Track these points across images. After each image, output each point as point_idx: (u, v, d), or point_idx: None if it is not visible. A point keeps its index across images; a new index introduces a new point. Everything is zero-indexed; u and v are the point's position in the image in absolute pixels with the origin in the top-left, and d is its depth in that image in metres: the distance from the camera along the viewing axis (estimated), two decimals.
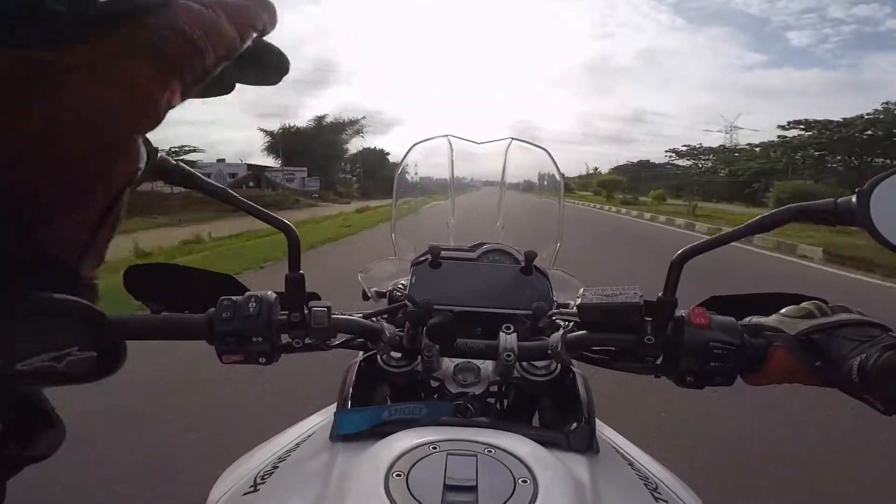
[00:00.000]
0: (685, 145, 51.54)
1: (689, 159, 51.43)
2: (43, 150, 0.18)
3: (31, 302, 0.20)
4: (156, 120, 0.20)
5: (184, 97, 0.21)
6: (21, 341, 0.20)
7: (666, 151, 56.11)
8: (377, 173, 43.19)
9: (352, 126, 39.99)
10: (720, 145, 48.03)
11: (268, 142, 37.71)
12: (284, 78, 0.24)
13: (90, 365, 0.21)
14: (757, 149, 40.59)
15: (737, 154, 43.51)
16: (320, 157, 35.71)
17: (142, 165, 0.21)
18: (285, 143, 36.20)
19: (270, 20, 0.22)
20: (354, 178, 45.93)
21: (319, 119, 38.75)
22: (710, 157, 48.48)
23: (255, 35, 0.21)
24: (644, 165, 60.59)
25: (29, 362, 0.20)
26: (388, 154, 49.46)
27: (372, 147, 49.29)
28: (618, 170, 61.16)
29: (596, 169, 66.96)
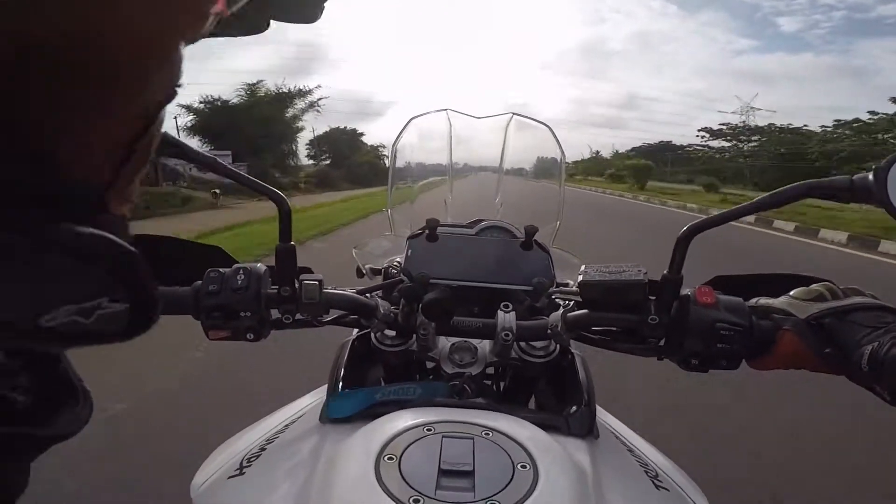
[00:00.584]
0: (724, 124, 42.58)
1: (728, 140, 42.47)
2: (78, 39, 0.15)
3: (51, 237, 0.16)
4: (200, 29, 0.18)
5: (229, 7, 0.19)
6: (42, 290, 0.16)
7: (699, 131, 47.06)
8: (348, 158, 35.04)
9: (301, 98, 28.65)
10: (742, 124, 41.55)
11: (192, 120, 26.19)
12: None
13: (121, 320, 0.17)
14: (833, 129, 33.20)
15: (790, 135, 37.25)
16: (257, 136, 25.49)
17: (179, 84, 0.19)
18: (211, 120, 25.78)
19: None
20: (313, 164, 36.01)
21: (252, 88, 27.14)
22: (758, 137, 39.43)
23: None
24: (666, 147, 52.65)
25: (52, 316, 0.16)
26: (362, 135, 40.25)
27: (342, 127, 39.80)
28: (637, 153, 51.90)
29: (598, 153, 62.77)
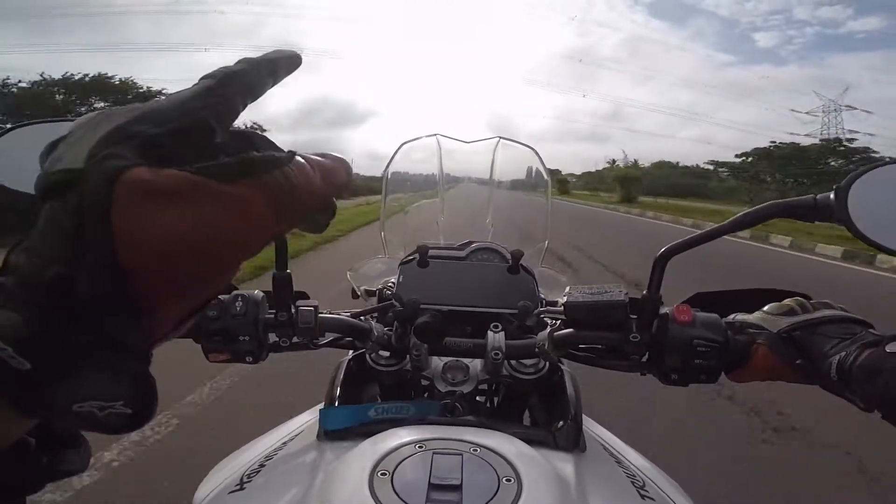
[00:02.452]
0: (773, 142, 34.80)
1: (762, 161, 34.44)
2: (171, 257, 0.21)
3: (111, 356, 0.21)
4: (257, 251, 0.24)
5: (280, 235, 0.24)
6: (86, 386, 0.21)
7: (737, 156, 37.48)
8: None
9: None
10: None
11: None
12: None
13: (123, 419, 0.22)
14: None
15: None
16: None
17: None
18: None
19: (348, 177, 0.26)
20: None
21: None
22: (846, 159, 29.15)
23: (337, 189, 0.25)
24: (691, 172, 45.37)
25: (81, 406, 0.21)
26: None
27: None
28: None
29: (614, 162, 56.22)
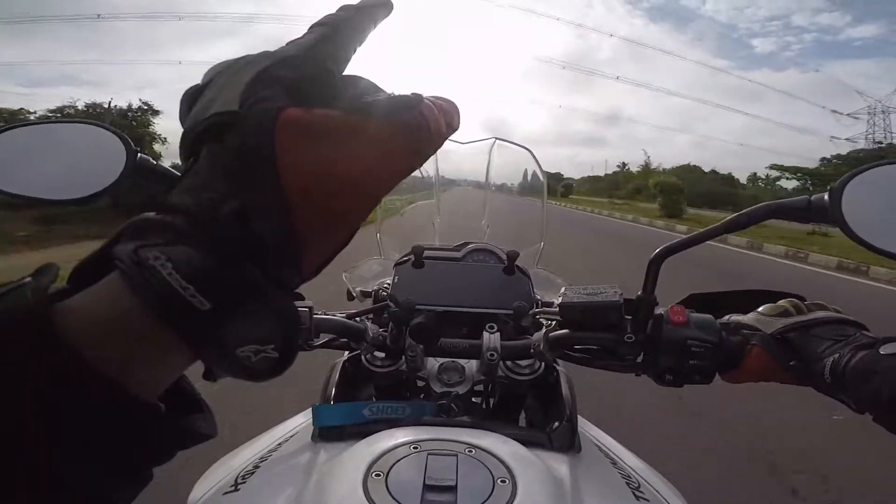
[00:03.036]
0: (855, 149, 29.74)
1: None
2: (326, 189, 0.23)
3: (273, 295, 0.22)
4: (393, 186, 0.25)
5: (409, 173, 0.26)
6: (251, 328, 0.21)
7: (823, 160, 32.55)
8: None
9: None
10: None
11: None
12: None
13: (270, 364, 0.22)
14: None
15: None
16: None
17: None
18: None
19: (458, 119, 0.28)
20: None
21: None
22: None
23: (453, 130, 0.27)
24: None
25: (243, 350, 0.21)
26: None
27: None
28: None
29: (625, 165, 53.53)
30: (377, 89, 0.25)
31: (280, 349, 0.22)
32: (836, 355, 0.49)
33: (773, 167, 36.75)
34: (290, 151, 0.22)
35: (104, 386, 0.20)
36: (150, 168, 0.55)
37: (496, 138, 0.98)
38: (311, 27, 0.26)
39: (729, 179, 43.12)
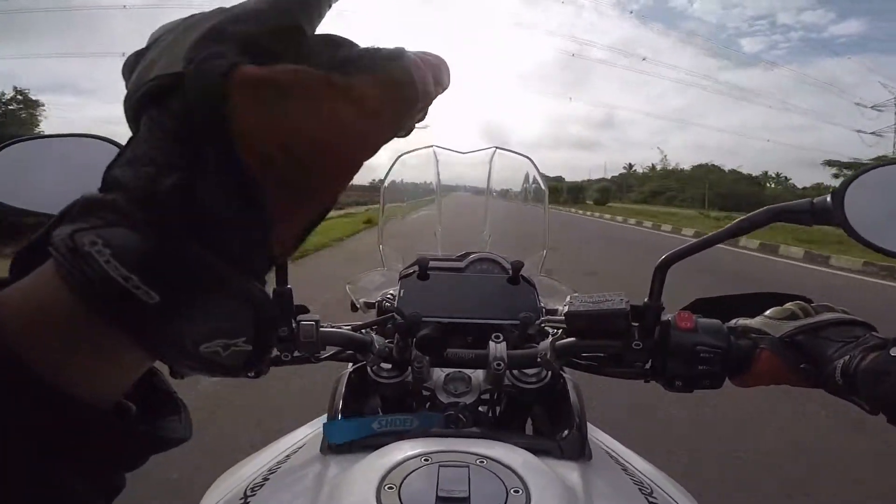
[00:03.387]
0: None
1: None
2: (293, 154, 0.20)
3: (236, 280, 0.19)
4: (375, 150, 0.23)
5: (393, 135, 0.23)
6: (214, 323, 0.19)
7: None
8: None
9: None
10: None
11: None
12: None
13: (243, 358, 0.20)
14: None
15: None
16: None
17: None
18: None
19: (448, 77, 0.25)
20: None
21: None
22: None
23: (442, 88, 0.25)
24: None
25: (208, 346, 0.19)
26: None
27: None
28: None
29: (631, 166, 51.50)
30: (354, 45, 0.22)
31: (253, 341, 0.20)
32: (847, 357, 0.49)
33: (827, 162, 36.36)
34: (249, 114, 0.19)
35: (43, 390, 0.18)
36: None
37: (496, 147, 0.98)
38: None
39: (753, 179, 41.17)
